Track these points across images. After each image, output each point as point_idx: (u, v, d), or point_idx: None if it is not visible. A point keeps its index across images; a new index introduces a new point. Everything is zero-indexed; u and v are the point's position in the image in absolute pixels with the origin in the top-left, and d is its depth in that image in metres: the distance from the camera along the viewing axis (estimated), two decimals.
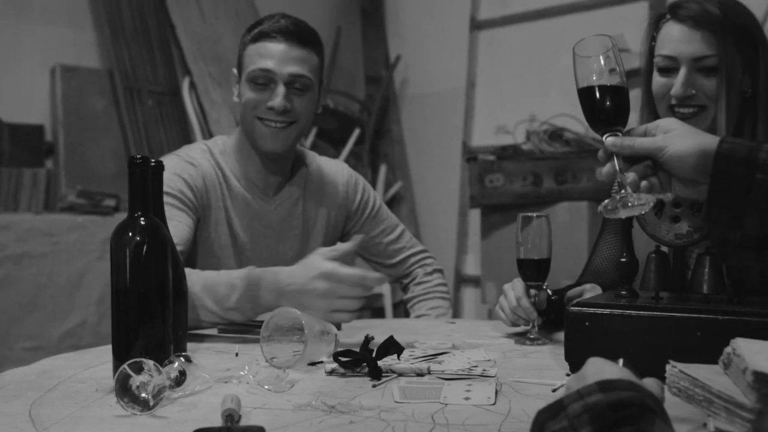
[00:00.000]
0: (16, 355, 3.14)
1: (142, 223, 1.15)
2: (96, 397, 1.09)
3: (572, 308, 1.20)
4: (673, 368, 0.88)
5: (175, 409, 1.03)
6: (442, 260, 4.65)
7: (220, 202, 1.78)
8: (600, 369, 0.80)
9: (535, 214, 1.49)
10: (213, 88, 4.01)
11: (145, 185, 1.16)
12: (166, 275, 1.16)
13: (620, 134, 1.12)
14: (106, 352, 1.41)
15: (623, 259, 1.25)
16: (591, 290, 1.49)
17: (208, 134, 3.95)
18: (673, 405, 0.97)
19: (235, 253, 1.80)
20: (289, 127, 1.76)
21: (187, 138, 3.94)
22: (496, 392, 1.08)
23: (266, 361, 1.26)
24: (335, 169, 1.98)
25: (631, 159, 1.12)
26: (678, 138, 1.07)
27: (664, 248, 1.24)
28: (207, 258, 1.77)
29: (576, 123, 3.73)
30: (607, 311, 1.17)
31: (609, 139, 1.12)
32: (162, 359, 1.10)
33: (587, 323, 1.18)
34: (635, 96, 3.86)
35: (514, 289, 1.50)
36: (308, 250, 1.88)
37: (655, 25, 1.51)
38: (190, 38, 4.01)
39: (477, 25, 4.37)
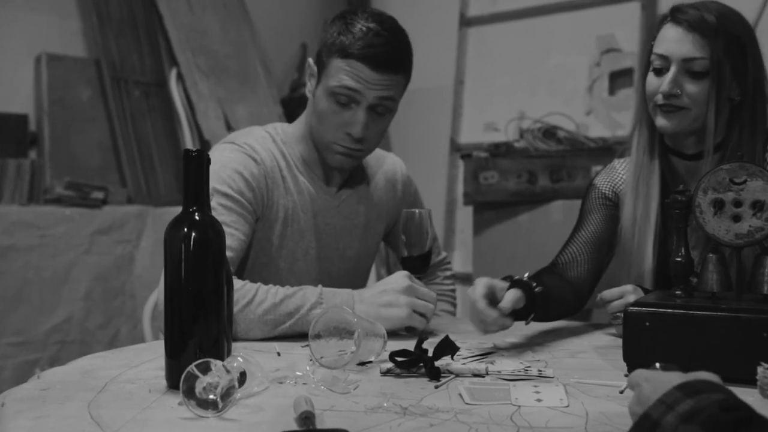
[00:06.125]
0: (1, 350, 3.05)
1: (197, 218, 1.10)
2: (153, 399, 1.05)
3: (631, 308, 1.19)
4: (766, 370, 0.87)
5: (241, 411, 0.99)
6: None
7: (283, 199, 1.67)
8: (658, 381, 0.78)
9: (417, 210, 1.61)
10: (200, 79, 3.94)
11: (200, 179, 1.11)
12: (221, 272, 1.12)
13: None
14: (143, 350, 1.37)
15: (678, 259, 1.25)
16: (633, 293, 1.47)
17: (195, 127, 3.88)
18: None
19: (296, 252, 1.70)
20: None
21: (174, 130, 3.87)
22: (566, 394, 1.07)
23: (313, 361, 1.22)
24: (394, 165, 1.90)
25: None
26: None
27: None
28: (260, 257, 1.67)
29: (567, 121, 3.74)
30: (669, 311, 1.16)
31: None
32: (216, 358, 1.06)
33: (647, 323, 1.17)
34: (627, 96, 3.86)
35: (475, 291, 1.37)
36: (366, 249, 1.83)
37: (658, 26, 1.56)
38: (178, 29, 3.93)
39: (466, 22, 4.35)
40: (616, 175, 1.70)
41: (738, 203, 1.18)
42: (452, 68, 4.38)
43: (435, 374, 1.16)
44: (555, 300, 1.51)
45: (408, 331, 1.52)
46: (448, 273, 2.02)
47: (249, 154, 1.64)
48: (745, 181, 1.18)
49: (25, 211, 3.16)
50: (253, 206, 1.61)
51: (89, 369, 1.21)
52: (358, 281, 1.82)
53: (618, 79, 3.86)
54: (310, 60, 1.68)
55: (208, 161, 1.14)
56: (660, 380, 0.78)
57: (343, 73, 1.58)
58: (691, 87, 1.48)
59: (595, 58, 3.89)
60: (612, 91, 3.86)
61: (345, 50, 1.58)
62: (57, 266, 3.21)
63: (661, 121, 1.52)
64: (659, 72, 1.51)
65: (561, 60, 4.02)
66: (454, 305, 2.01)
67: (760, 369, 0.90)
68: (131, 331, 3.42)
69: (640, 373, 0.83)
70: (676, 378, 0.77)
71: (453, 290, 2.03)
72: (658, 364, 0.84)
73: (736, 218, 1.18)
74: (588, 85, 3.91)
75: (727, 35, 1.47)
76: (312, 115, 1.66)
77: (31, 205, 3.25)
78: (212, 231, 1.12)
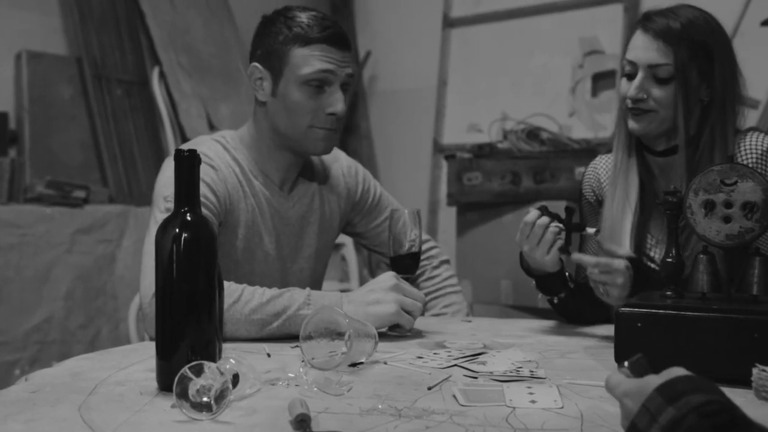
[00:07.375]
0: None
1: (189, 218, 1.09)
2: (144, 401, 1.04)
3: (623, 309, 1.19)
4: (762, 372, 0.87)
5: (235, 414, 0.98)
6: None
7: (243, 203, 1.69)
8: (638, 391, 0.78)
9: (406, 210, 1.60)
10: (183, 78, 3.91)
11: (192, 180, 1.11)
12: (212, 272, 1.11)
13: None
14: (130, 352, 1.36)
15: (669, 260, 1.25)
16: (624, 274, 1.46)
17: (177, 126, 3.85)
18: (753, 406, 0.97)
19: (257, 253, 1.72)
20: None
21: (156, 129, 3.84)
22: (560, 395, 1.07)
23: (305, 362, 1.22)
24: (335, 158, 1.91)
25: None
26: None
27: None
28: (225, 262, 1.65)
29: (550, 122, 3.76)
30: (661, 312, 1.16)
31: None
32: (208, 360, 1.05)
33: (639, 324, 1.17)
34: (610, 97, 3.87)
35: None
36: (323, 246, 1.85)
37: (632, 31, 1.63)
38: (160, 27, 3.90)
39: (449, 23, 4.36)
40: (596, 176, 1.77)
41: (729, 204, 1.19)
42: (435, 69, 4.38)
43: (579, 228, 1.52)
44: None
45: (392, 331, 1.52)
46: (435, 262, 1.98)
47: (206, 162, 1.64)
48: (735, 183, 1.19)
49: (5, 210, 3.12)
50: (217, 209, 1.62)
51: (78, 371, 1.20)
52: (317, 278, 1.87)
53: (601, 80, 3.88)
54: (257, 64, 1.68)
55: (199, 161, 1.13)
56: (639, 390, 0.78)
57: (313, 59, 1.63)
58: (657, 91, 1.55)
59: (578, 59, 3.91)
60: (595, 92, 3.88)
61: (304, 38, 1.63)
62: (38, 265, 3.17)
63: (631, 124, 1.60)
64: (629, 77, 1.59)
65: (544, 61, 4.03)
66: (459, 293, 1.96)
67: (755, 371, 0.91)
68: (112, 331, 3.39)
69: (617, 384, 0.83)
70: (654, 380, 0.77)
71: (449, 278, 1.98)
72: (626, 363, 0.83)
73: (727, 219, 1.19)
74: (571, 87, 3.93)
75: (690, 42, 1.53)
76: (280, 113, 1.68)
77: (12, 204, 3.21)
78: (204, 231, 1.11)
